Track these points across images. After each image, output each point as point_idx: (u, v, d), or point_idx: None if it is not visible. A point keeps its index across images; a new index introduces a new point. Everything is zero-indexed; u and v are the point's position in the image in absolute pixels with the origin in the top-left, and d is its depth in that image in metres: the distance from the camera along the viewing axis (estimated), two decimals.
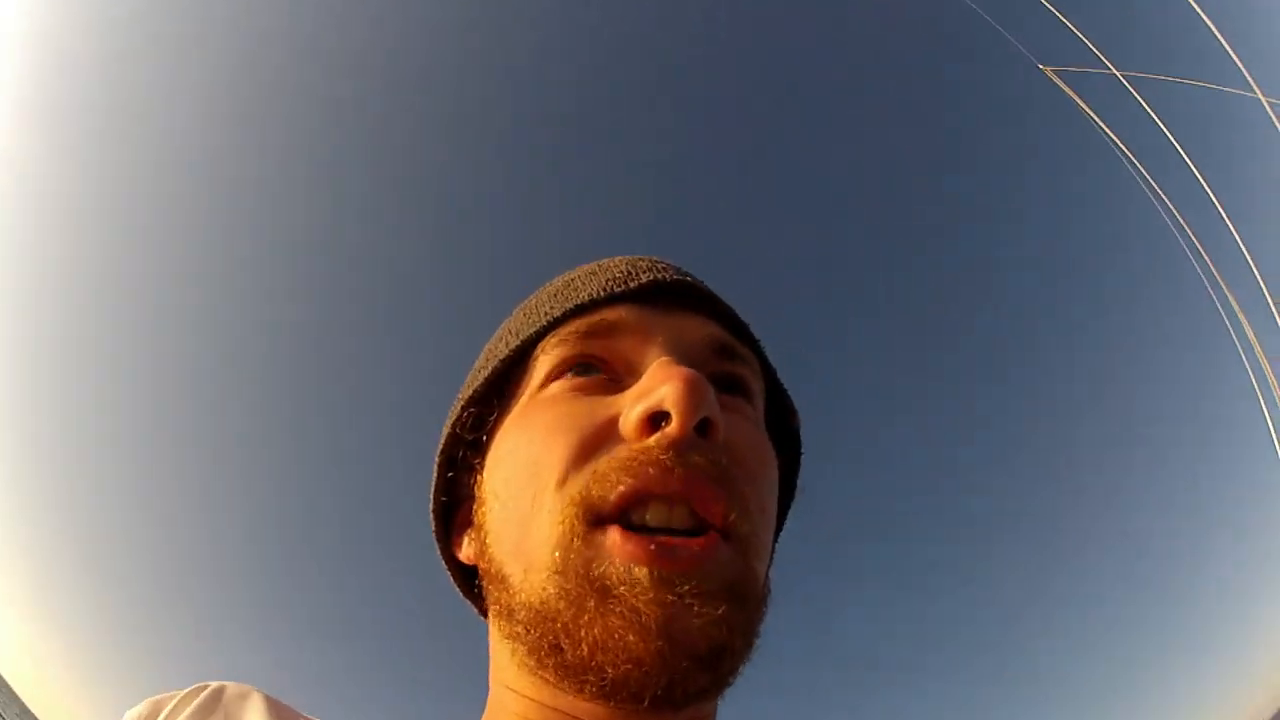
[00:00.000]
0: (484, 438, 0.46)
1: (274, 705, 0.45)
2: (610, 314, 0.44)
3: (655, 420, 0.38)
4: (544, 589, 0.37)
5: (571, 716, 0.39)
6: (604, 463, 0.38)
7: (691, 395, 0.37)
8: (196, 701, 0.46)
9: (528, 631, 0.38)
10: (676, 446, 0.37)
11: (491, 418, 0.46)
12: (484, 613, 0.46)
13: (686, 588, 0.35)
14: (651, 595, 0.34)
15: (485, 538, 0.42)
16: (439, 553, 0.50)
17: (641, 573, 0.35)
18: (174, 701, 0.46)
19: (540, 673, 0.39)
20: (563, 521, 0.37)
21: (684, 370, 0.39)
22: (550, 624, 0.37)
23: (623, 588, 0.35)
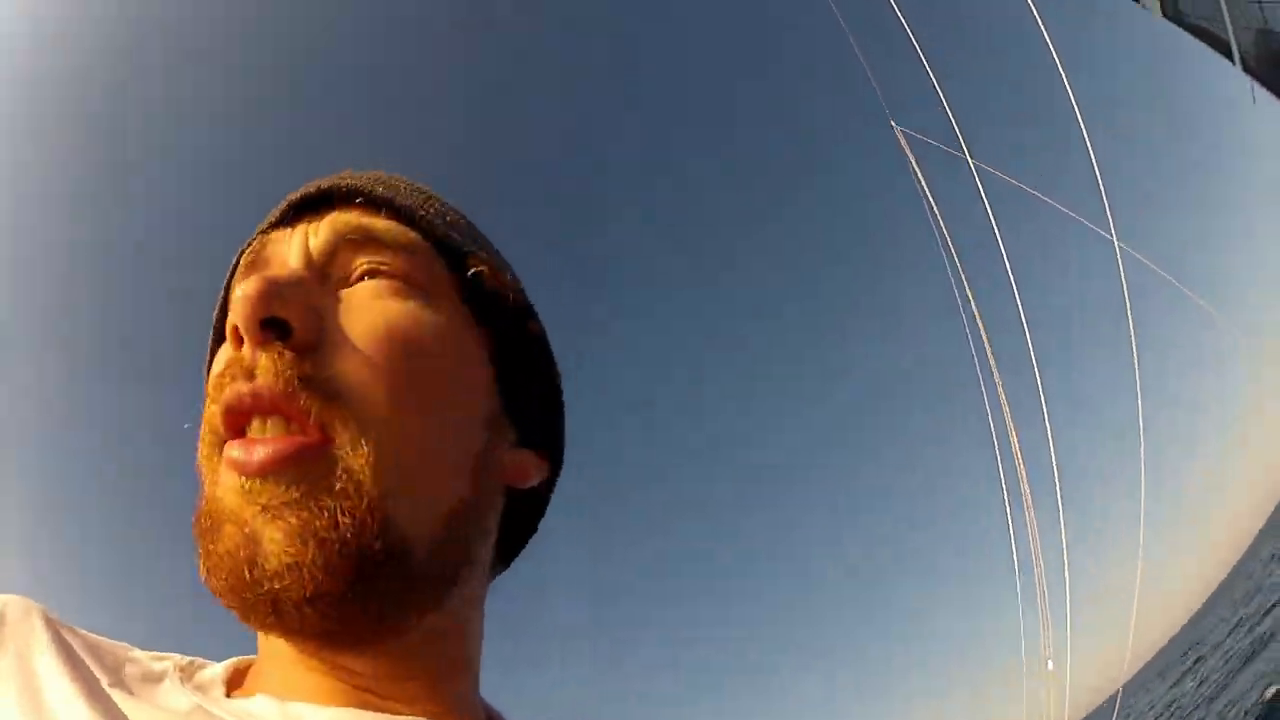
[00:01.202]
0: None
1: (56, 631, 0.39)
2: (258, 244, 0.44)
3: (238, 336, 0.37)
4: (195, 526, 0.36)
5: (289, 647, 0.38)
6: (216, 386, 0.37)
7: (243, 303, 0.35)
8: None
9: None
10: (249, 355, 0.36)
11: None
12: None
13: (264, 499, 0.33)
14: (239, 510, 0.34)
15: None
16: None
17: (231, 480, 0.34)
18: None
19: None
20: (200, 449, 0.37)
21: (249, 280, 0.36)
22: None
23: (224, 505, 0.34)
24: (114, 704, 0.35)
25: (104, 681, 0.36)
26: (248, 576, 0.33)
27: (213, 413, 0.36)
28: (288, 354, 0.36)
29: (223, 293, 0.46)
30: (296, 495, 0.34)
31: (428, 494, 0.38)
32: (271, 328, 0.36)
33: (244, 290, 0.36)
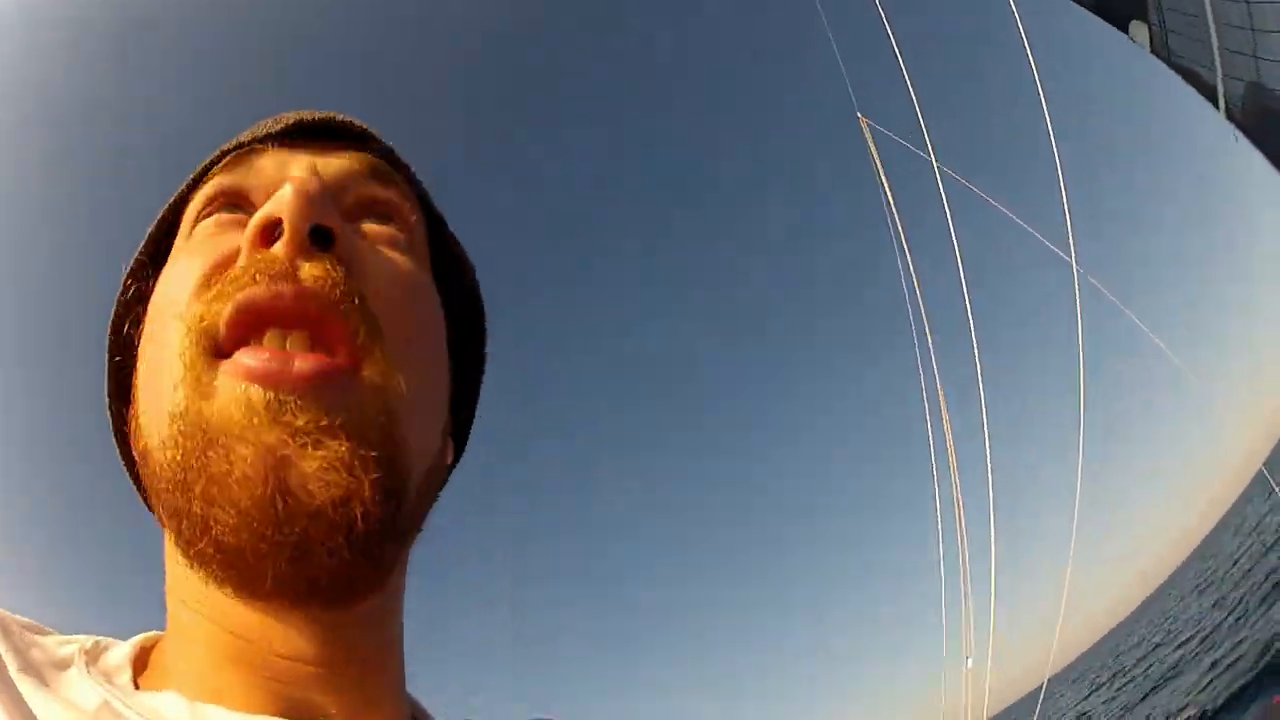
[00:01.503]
0: (145, 310, 0.39)
1: None
2: (248, 153, 0.41)
3: (270, 232, 0.34)
4: (167, 442, 0.32)
5: (226, 629, 0.34)
6: (221, 283, 0.34)
7: (299, 198, 0.33)
8: None
9: (163, 504, 0.33)
10: (288, 255, 0.33)
11: (151, 286, 0.39)
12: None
13: (302, 420, 0.30)
14: (259, 429, 0.30)
15: (137, 411, 0.36)
16: (119, 454, 0.43)
17: (256, 395, 0.30)
18: None
19: (187, 566, 0.34)
20: (181, 354, 0.32)
21: (299, 177, 0.35)
22: (172, 484, 0.31)
23: (232, 421, 0.30)
24: (18, 693, 0.31)
25: (12, 667, 0.32)
26: (279, 509, 0.29)
27: (214, 311, 0.33)
28: (339, 266, 0.34)
29: (185, 187, 0.42)
30: (336, 421, 0.31)
31: (419, 447, 0.36)
32: (316, 237, 0.34)
33: (299, 187, 0.33)
